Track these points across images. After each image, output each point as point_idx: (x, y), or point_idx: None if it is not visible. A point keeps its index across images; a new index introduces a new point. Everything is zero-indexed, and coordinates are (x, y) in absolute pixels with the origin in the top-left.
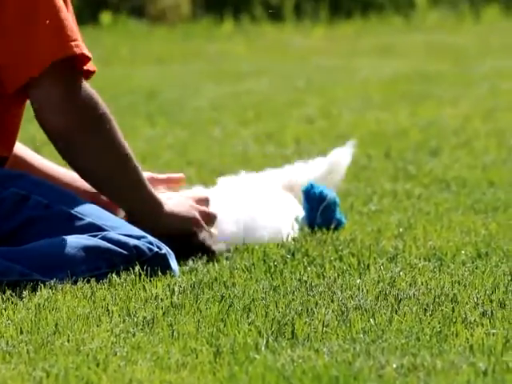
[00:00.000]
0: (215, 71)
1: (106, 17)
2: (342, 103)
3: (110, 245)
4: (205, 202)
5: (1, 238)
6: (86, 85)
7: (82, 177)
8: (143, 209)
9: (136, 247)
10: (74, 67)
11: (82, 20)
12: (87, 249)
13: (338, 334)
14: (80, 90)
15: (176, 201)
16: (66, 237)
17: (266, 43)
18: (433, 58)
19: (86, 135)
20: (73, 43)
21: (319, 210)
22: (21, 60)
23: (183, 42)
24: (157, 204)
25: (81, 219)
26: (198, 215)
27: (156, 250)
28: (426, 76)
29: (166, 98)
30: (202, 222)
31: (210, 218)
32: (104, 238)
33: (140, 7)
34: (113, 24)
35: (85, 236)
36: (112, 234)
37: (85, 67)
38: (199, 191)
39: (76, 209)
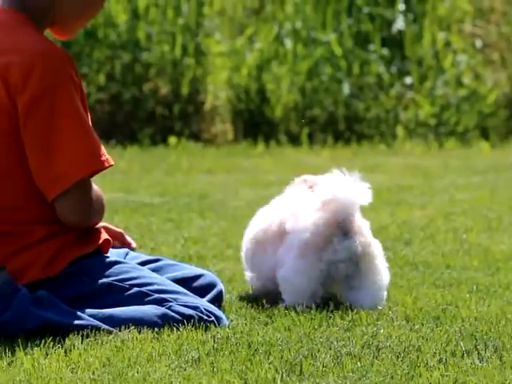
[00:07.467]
0: (250, 180)
1: (172, 140)
2: None
3: (173, 314)
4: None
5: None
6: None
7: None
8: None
9: (191, 316)
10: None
11: (155, 142)
12: (157, 316)
13: (333, 372)
14: (91, 195)
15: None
16: (141, 307)
17: (287, 161)
18: (408, 175)
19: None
20: (103, 158)
21: None
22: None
23: (227, 159)
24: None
25: (151, 295)
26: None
27: (205, 318)
28: (402, 187)
29: (213, 199)
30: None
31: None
32: (169, 309)
33: (197, 133)
34: (177, 145)
35: (155, 306)
36: (174, 306)
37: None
38: None
39: (147, 288)
